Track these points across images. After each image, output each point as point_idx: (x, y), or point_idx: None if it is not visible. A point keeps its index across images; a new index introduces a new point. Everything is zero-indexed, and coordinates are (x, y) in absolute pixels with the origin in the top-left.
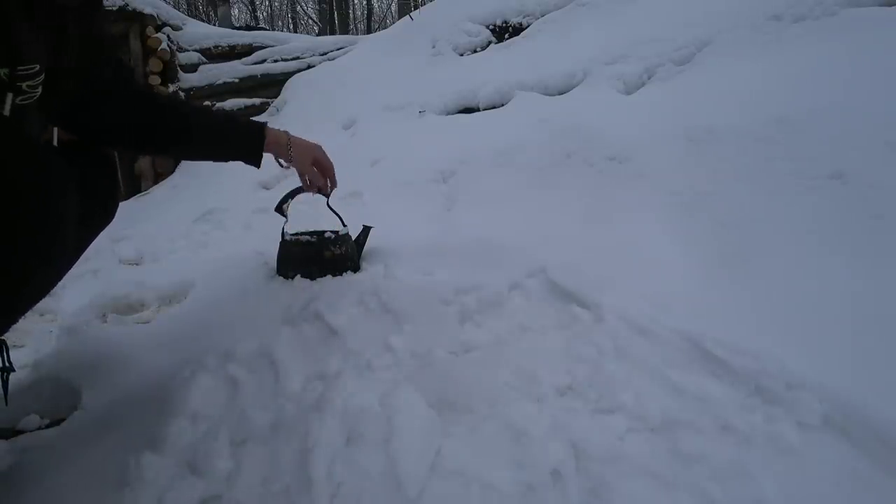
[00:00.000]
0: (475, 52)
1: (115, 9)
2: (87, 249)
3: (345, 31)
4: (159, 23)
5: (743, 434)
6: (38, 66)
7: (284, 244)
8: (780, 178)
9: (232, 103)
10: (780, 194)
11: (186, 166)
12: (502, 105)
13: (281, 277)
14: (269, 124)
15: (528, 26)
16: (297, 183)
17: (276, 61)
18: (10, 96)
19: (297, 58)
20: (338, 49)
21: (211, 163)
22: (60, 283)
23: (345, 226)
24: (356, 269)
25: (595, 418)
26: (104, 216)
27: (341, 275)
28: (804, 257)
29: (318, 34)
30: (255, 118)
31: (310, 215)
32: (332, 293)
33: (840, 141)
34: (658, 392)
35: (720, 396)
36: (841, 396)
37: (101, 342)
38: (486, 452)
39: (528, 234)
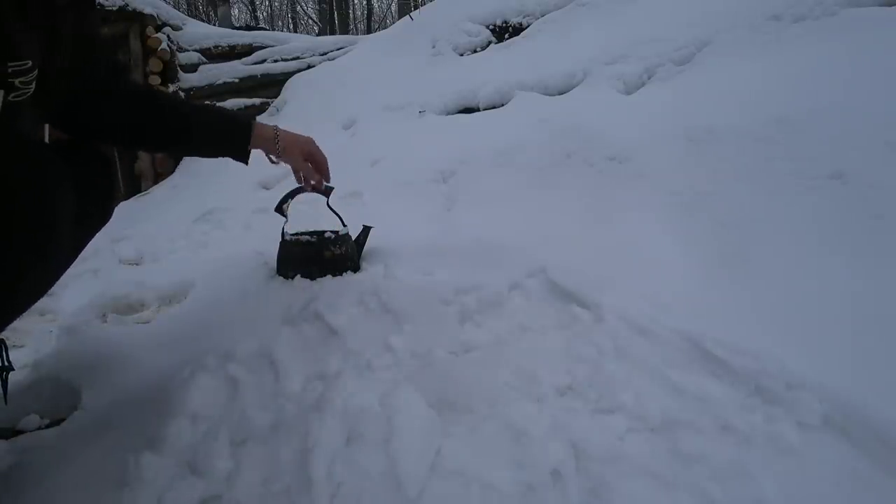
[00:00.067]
0: (475, 52)
1: (115, 9)
2: (87, 249)
3: (345, 31)
4: (159, 23)
5: (743, 434)
6: (30, 63)
7: (284, 244)
8: (780, 178)
9: (232, 103)
10: (780, 194)
11: (186, 166)
12: (502, 105)
13: (281, 277)
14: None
15: (528, 26)
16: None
17: (276, 61)
18: (1, 93)
19: (297, 58)
20: (338, 49)
21: (211, 163)
22: (60, 283)
23: (345, 226)
24: (356, 269)
25: (595, 418)
26: (101, 216)
27: (341, 275)
28: (804, 257)
29: (318, 34)
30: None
31: (310, 215)
32: (332, 293)
33: (840, 141)
34: (658, 392)
35: (720, 396)
36: (841, 396)
37: (101, 342)
38: (486, 452)
39: (528, 234)
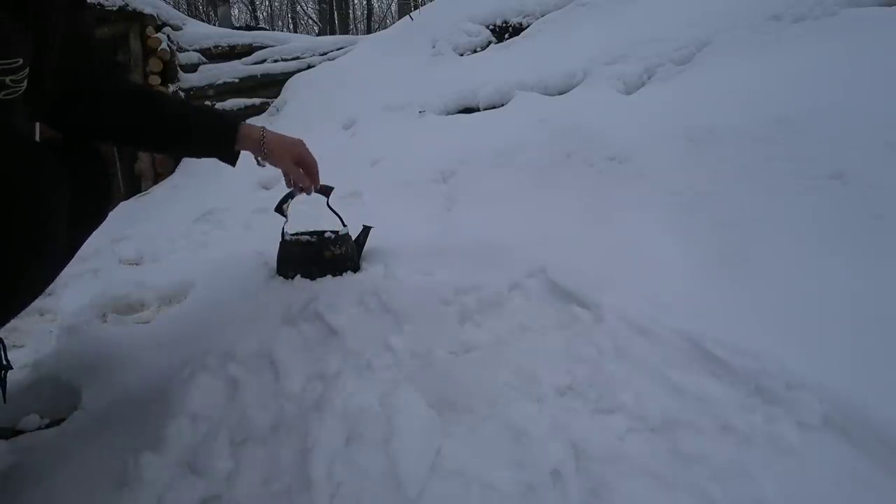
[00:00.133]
0: (475, 52)
1: (115, 9)
2: (87, 249)
3: (345, 31)
4: (159, 23)
5: (743, 434)
6: (20, 61)
7: (284, 244)
8: (780, 178)
9: (232, 103)
10: (780, 194)
11: (186, 166)
12: (502, 105)
13: (281, 277)
14: (268, 125)
15: (528, 26)
16: None
17: (276, 61)
18: None
19: (297, 58)
20: (338, 49)
21: (211, 163)
22: (61, 283)
23: (345, 226)
24: (356, 269)
25: (595, 418)
26: (97, 215)
27: (341, 275)
28: (804, 257)
29: (318, 34)
30: (255, 118)
31: (310, 215)
32: (332, 293)
33: (840, 141)
34: (658, 392)
35: (720, 396)
36: (841, 396)
37: (101, 342)
38: (486, 452)
39: (528, 234)
